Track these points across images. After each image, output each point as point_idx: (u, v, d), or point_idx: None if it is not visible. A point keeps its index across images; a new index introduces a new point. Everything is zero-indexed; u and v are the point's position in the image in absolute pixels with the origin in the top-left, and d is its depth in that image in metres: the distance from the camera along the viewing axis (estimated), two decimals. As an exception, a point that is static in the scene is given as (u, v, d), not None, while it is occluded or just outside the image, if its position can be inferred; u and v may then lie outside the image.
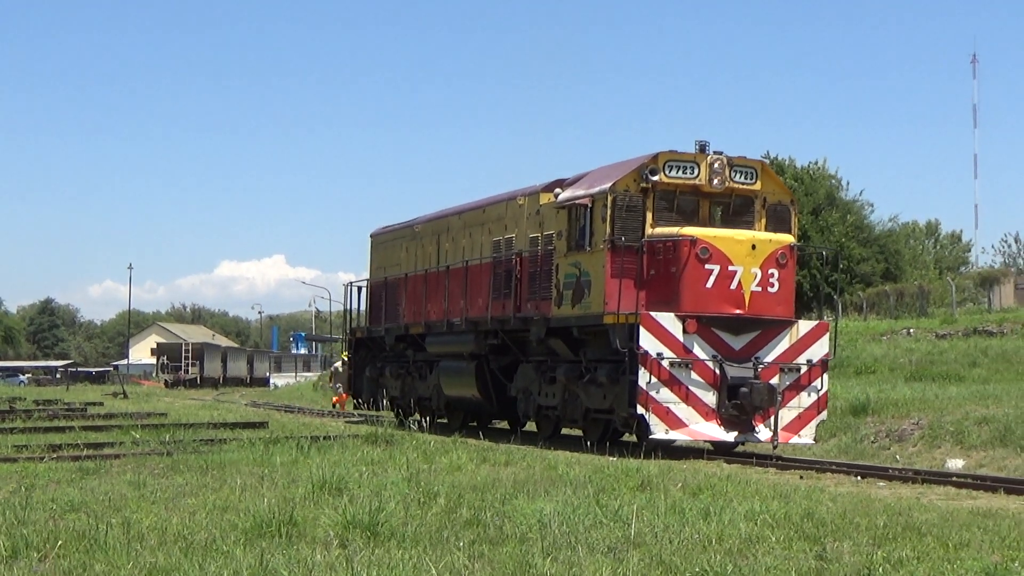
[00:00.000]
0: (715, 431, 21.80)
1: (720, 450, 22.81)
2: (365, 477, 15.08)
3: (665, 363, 21.48)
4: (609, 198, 22.50)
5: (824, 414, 22.84)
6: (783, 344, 22.29)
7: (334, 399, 46.65)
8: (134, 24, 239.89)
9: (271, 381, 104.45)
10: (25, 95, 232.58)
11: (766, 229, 23.05)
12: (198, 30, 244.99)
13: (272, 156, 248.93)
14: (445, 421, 30.36)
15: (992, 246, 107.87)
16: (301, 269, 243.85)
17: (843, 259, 56.89)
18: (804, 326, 22.72)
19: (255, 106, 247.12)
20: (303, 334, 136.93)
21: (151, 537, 10.40)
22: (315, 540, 10.38)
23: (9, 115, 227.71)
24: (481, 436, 24.28)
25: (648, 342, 21.44)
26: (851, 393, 28.41)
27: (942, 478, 18.34)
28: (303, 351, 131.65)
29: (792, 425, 22.20)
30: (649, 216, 22.64)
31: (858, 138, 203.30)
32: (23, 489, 13.74)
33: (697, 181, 22.81)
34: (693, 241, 21.83)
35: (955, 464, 21.90)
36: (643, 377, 21.41)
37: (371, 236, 35.94)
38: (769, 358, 22.10)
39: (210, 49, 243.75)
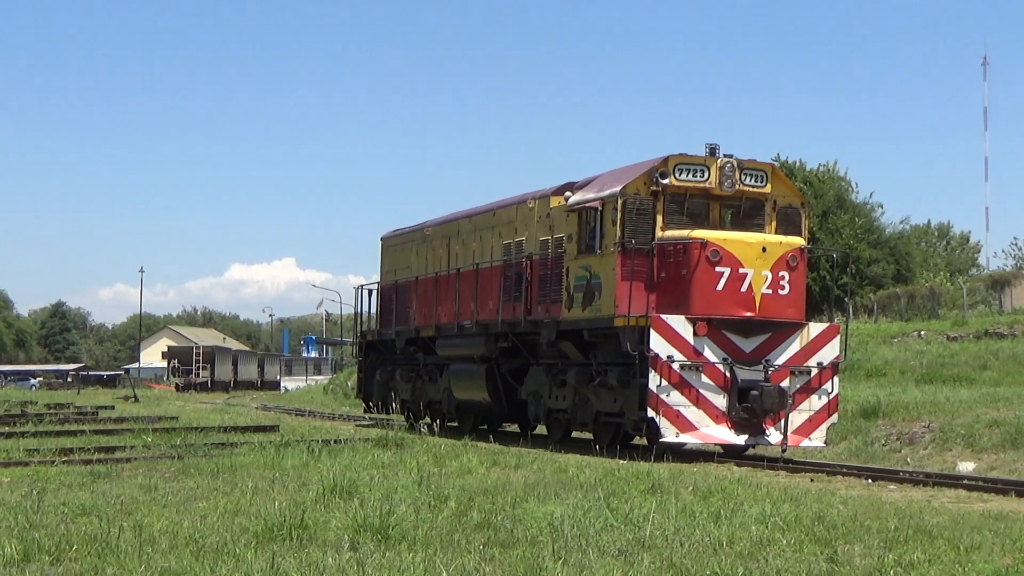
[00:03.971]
0: (725, 434, 21.79)
1: (731, 453, 22.80)
2: (376, 480, 15.11)
3: (675, 366, 21.47)
4: (619, 201, 22.51)
5: (835, 417, 22.81)
6: (794, 347, 22.27)
7: None
8: (142, 28, 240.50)
9: (282, 384, 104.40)
10: (36, 100, 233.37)
11: (776, 232, 23.03)
12: (206, 36, 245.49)
13: (282, 159, 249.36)
14: (455, 424, 30.37)
15: (1003, 250, 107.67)
16: (311, 272, 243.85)
17: (853, 261, 56.80)
18: (815, 329, 22.69)
19: (265, 109, 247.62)
20: (314, 337, 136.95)
21: (162, 541, 10.43)
22: (326, 543, 10.40)
23: (20, 120, 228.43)
24: (491, 439, 24.30)
25: (658, 345, 21.44)
26: (862, 396, 28.37)
27: (953, 481, 18.32)
28: (314, 354, 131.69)
29: (803, 428, 22.18)
30: (659, 219, 22.64)
31: (868, 140, 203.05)
32: (35, 493, 13.77)
33: (707, 184, 22.81)
34: (703, 244, 21.83)
35: (966, 467, 21.87)
36: (653, 380, 21.41)
37: (382, 239, 35.97)
38: (780, 361, 22.08)
39: (220, 54, 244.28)
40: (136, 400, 54.24)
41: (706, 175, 22.79)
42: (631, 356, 21.80)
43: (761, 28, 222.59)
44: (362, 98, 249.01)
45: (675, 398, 21.49)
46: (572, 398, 24.57)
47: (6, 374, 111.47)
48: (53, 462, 17.91)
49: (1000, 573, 9.60)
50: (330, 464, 17.02)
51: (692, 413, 21.56)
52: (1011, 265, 75.48)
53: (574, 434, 26.42)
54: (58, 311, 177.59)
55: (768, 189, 23.29)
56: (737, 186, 22.94)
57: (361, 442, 21.48)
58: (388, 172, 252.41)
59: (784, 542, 10.81)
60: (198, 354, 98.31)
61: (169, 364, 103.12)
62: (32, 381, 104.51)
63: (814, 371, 22.38)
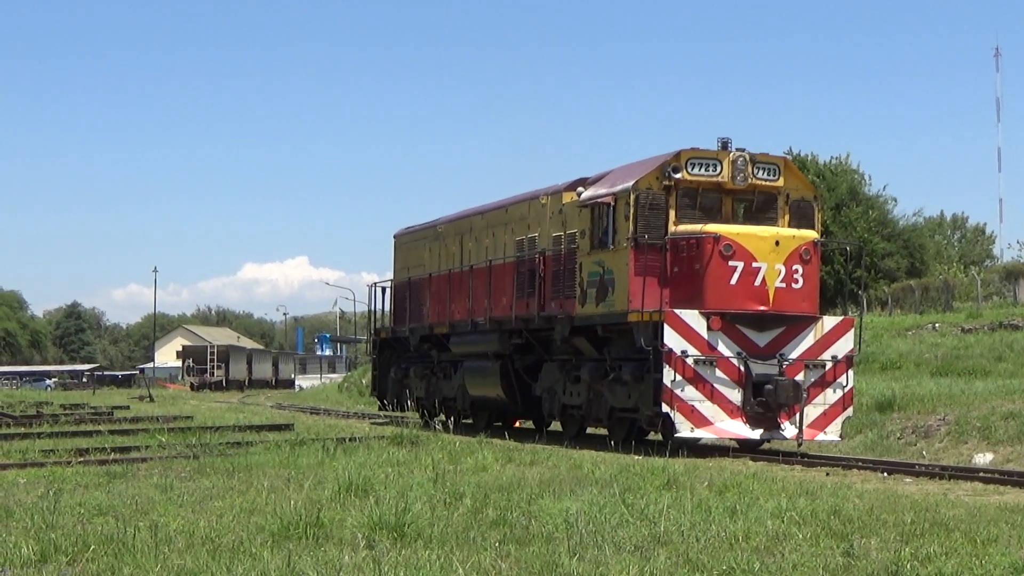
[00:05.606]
0: (740, 429, 21.75)
1: (746, 448, 22.77)
2: (391, 478, 15.11)
3: (690, 361, 21.44)
4: (632, 196, 22.48)
5: (850, 410, 22.77)
6: (808, 340, 22.23)
7: None
8: (149, 28, 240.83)
9: (296, 383, 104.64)
10: (48, 102, 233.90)
11: (789, 225, 22.98)
12: (216, 35, 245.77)
13: (293, 157, 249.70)
14: (470, 421, 30.38)
15: (1017, 241, 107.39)
16: (325, 270, 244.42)
17: (867, 254, 56.64)
18: (829, 322, 22.65)
19: (276, 108, 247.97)
20: (328, 335, 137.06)
21: (179, 540, 10.45)
22: (342, 541, 10.40)
23: (32, 122, 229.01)
24: (506, 436, 24.28)
25: (672, 340, 21.41)
26: (877, 389, 28.31)
27: (969, 474, 18.27)
28: (328, 352, 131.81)
29: (818, 422, 22.13)
30: (672, 214, 22.61)
31: (881, 133, 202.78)
32: (51, 493, 13.80)
33: (720, 178, 22.77)
34: (716, 238, 21.79)
35: (982, 459, 21.81)
36: (668, 375, 21.38)
37: (394, 237, 35.98)
38: (794, 355, 22.04)
39: (231, 53, 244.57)
40: (151, 400, 54.33)
41: (718, 169, 22.75)
42: (645, 351, 21.79)
43: (772, 21, 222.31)
44: (373, 96, 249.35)
45: (689, 393, 21.46)
46: (586, 394, 24.56)
47: (21, 375, 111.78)
48: (69, 462, 17.95)
49: (1017, 566, 9.55)
50: (345, 462, 17.02)
51: (707, 408, 21.53)
52: (1025, 256, 75.24)
53: (589, 430, 26.43)
54: (73, 312, 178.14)
55: (781, 182, 23.24)
56: (750, 180, 22.89)
57: (376, 440, 21.49)
58: (400, 170, 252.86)
59: (800, 536, 10.79)
60: (212, 353, 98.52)
61: (184, 364, 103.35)
62: (47, 382, 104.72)
63: (828, 365, 22.33)
